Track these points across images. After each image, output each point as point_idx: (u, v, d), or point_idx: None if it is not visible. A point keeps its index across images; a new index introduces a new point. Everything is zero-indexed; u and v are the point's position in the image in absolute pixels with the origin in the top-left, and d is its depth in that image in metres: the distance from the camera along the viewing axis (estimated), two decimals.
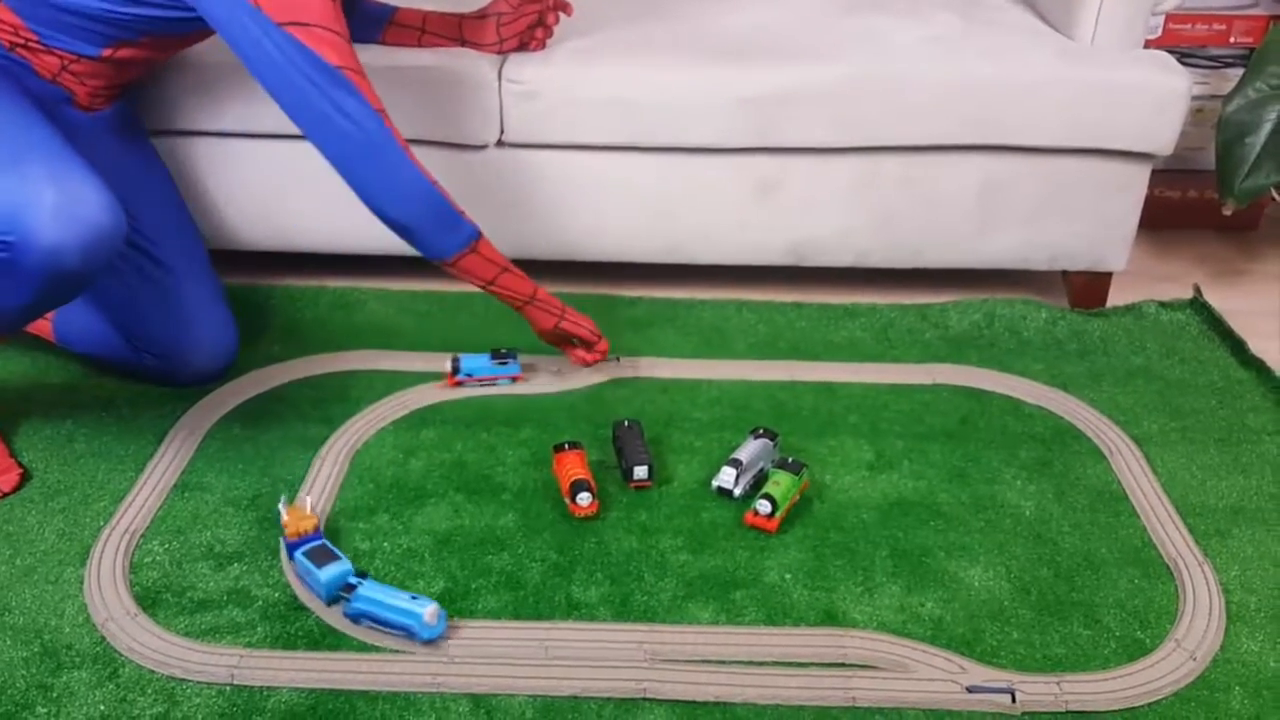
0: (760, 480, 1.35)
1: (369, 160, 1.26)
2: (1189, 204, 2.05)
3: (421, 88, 1.60)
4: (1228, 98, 1.74)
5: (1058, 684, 1.11)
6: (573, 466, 1.33)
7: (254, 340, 1.63)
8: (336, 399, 1.52)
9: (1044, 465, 1.42)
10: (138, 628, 1.15)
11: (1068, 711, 1.09)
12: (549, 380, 1.57)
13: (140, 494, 1.34)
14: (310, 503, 1.30)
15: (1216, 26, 1.96)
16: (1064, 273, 1.84)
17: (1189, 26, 1.96)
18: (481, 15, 1.64)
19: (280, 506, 1.25)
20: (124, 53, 1.36)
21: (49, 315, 1.53)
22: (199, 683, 1.10)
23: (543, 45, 1.65)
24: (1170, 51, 1.73)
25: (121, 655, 1.12)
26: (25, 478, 1.36)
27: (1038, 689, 1.10)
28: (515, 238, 1.69)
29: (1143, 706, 1.09)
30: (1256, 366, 1.61)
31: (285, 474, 1.38)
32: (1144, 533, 1.31)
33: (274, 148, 1.66)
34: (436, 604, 1.13)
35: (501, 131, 1.65)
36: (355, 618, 1.16)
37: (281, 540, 1.25)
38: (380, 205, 1.30)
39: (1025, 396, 1.55)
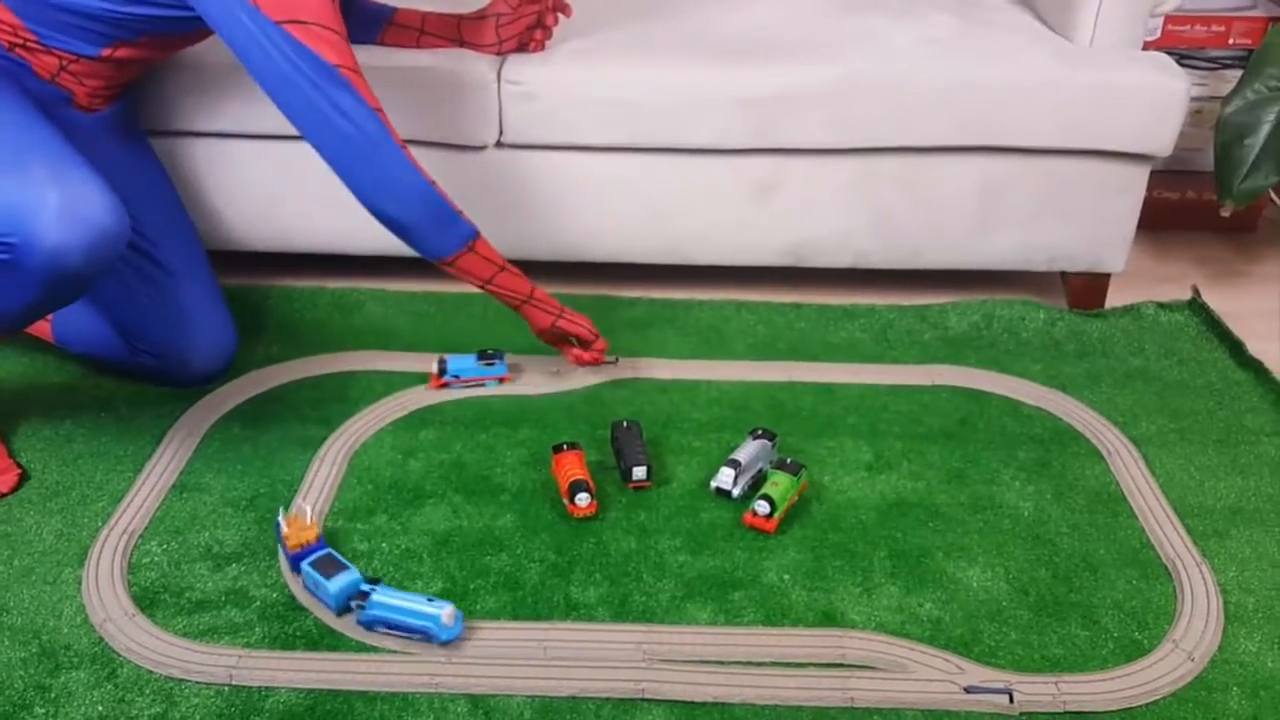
0: (759, 481, 1.35)
1: (366, 159, 1.26)
2: (1188, 205, 2.05)
3: (421, 88, 1.60)
4: (1226, 99, 1.74)
5: (1056, 684, 1.11)
6: (571, 467, 1.33)
7: (252, 341, 1.63)
8: (335, 399, 1.52)
9: (1042, 466, 1.42)
10: (136, 628, 1.15)
11: (1065, 712, 1.09)
12: (548, 381, 1.57)
13: (139, 494, 1.34)
14: (310, 512, 1.28)
15: (1215, 28, 1.96)
16: (1063, 274, 1.84)
17: (1188, 28, 1.96)
18: (480, 16, 1.64)
19: (280, 519, 1.24)
20: (123, 52, 1.36)
21: (48, 316, 1.53)
22: (197, 683, 1.10)
23: (542, 46, 1.65)
24: (1169, 53, 1.73)
25: (120, 656, 1.12)
26: (24, 478, 1.36)
27: (1036, 689, 1.10)
28: (514, 239, 1.69)
29: (1141, 707, 1.09)
30: (1255, 368, 1.61)
31: (284, 475, 1.37)
32: (1142, 533, 1.31)
33: (273, 148, 1.66)
34: (452, 605, 1.13)
35: (500, 132, 1.65)
36: (369, 625, 1.15)
37: (281, 550, 1.24)
38: (377, 204, 1.29)
39: (1024, 397, 1.56)
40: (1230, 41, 1.97)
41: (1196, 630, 1.18)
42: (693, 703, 1.09)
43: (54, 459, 1.39)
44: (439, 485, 1.36)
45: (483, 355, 1.55)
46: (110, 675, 1.10)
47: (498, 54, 1.64)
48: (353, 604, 1.16)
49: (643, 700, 1.09)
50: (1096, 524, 1.33)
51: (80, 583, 1.21)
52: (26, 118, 1.25)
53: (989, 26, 1.73)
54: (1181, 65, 1.67)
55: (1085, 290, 1.80)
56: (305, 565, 1.19)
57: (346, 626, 1.16)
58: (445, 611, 1.12)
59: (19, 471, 1.36)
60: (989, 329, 1.72)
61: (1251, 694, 1.11)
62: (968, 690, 1.10)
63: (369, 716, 1.07)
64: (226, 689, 1.09)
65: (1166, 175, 2.02)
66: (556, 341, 1.53)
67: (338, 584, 1.16)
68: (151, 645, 1.13)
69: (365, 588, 1.16)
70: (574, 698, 1.09)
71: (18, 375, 1.55)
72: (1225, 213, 1.77)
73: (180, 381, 1.51)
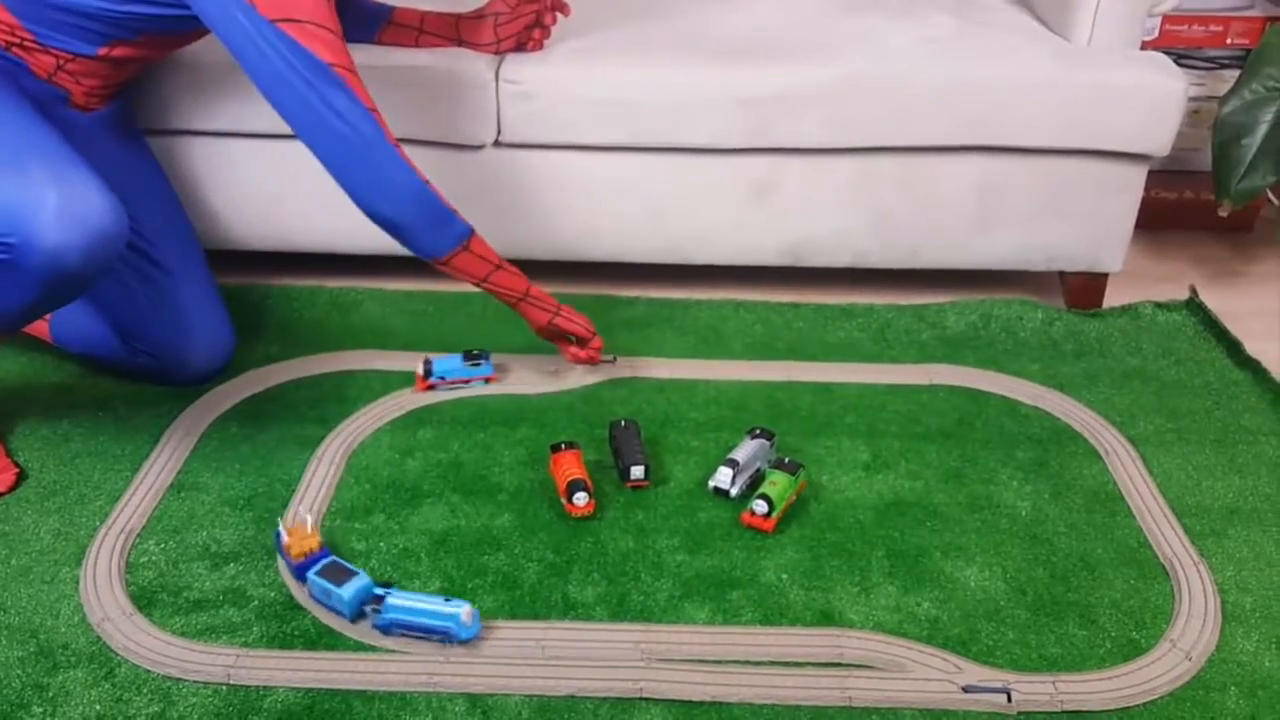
0: (757, 480, 1.35)
1: (360, 159, 1.26)
2: (1185, 205, 2.05)
3: (419, 88, 1.60)
4: (1224, 99, 1.74)
5: (1053, 684, 1.11)
6: (569, 466, 1.33)
7: (250, 340, 1.63)
8: (333, 399, 1.52)
9: (1040, 466, 1.42)
10: (134, 627, 1.15)
11: (1063, 711, 1.09)
12: (545, 380, 1.57)
13: (136, 494, 1.34)
14: (311, 521, 1.27)
15: (1213, 28, 1.96)
16: (1061, 273, 1.85)
17: (1186, 28, 1.96)
18: (479, 15, 1.64)
19: (280, 529, 1.22)
20: (120, 51, 1.36)
21: (46, 315, 1.53)
22: (195, 682, 1.10)
23: (540, 46, 1.65)
24: (1167, 53, 1.73)
25: (117, 655, 1.12)
26: (21, 477, 1.36)
27: (1033, 689, 1.11)
28: (512, 238, 1.69)
29: (1138, 706, 1.09)
30: (1252, 367, 1.62)
31: (281, 474, 1.37)
32: (1140, 533, 1.31)
33: (270, 147, 1.66)
34: (469, 603, 1.13)
35: (498, 132, 1.65)
36: (385, 628, 1.15)
37: (283, 560, 1.22)
38: (371, 204, 1.29)
39: (1022, 397, 1.56)
40: (1228, 41, 1.97)
41: (1194, 630, 1.18)
42: (690, 702, 1.09)
43: (52, 458, 1.39)
44: (437, 485, 1.36)
45: (468, 356, 1.54)
46: (108, 674, 1.10)
47: (496, 53, 1.64)
48: (367, 609, 1.16)
49: (641, 699, 1.09)
50: (1094, 523, 1.33)
51: (78, 582, 1.21)
52: (25, 117, 1.25)
53: (987, 26, 1.73)
54: (1179, 65, 1.67)
55: (1083, 290, 1.80)
56: (312, 575, 1.18)
57: (347, 627, 1.16)
58: (464, 610, 1.12)
59: (17, 471, 1.36)
60: (987, 328, 1.72)
61: (1249, 693, 1.11)
62: (965, 690, 1.10)
63: (367, 716, 1.07)
64: (224, 688, 1.09)
65: (1164, 175, 2.02)
66: (554, 339, 1.53)
67: (351, 590, 1.15)
68: (149, 644, 1.13)
69: (379, 591, 1.16)
70: (572, 697, 1.09)
71: (16, 375, 1.55)
72: (1223, 212, 1.77)
73: (178, 381, 1.51)
